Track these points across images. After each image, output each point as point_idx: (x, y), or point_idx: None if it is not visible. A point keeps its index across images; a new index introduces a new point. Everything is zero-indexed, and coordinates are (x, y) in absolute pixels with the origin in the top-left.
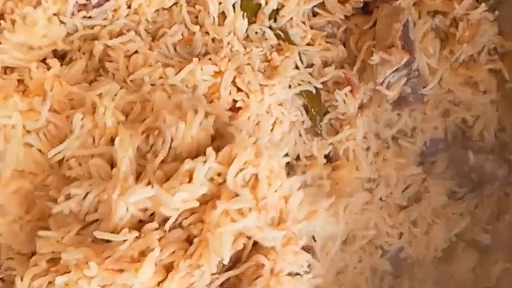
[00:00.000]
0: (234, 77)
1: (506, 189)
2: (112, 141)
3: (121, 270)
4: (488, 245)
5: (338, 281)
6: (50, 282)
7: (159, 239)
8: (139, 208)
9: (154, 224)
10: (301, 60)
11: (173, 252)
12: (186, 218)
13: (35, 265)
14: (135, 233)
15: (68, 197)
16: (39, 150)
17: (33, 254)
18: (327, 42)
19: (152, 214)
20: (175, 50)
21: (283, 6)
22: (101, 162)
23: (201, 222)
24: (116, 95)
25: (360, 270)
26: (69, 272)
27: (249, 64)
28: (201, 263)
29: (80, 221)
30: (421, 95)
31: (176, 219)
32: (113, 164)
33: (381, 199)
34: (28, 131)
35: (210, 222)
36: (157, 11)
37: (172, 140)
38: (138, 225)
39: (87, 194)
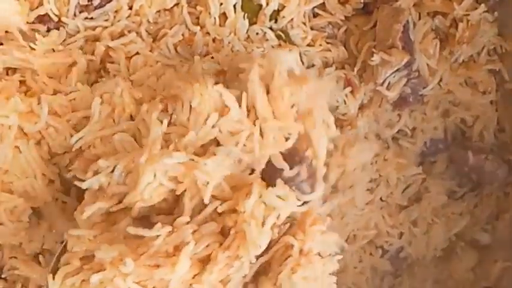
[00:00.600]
0: None
1: (506, 189)
2: (132, 119)
3: (157, 266)
4: (487, 244)
5: (338, 280)
6: (83, 281)
7: (193, 233)
8: (169, 177)
9: (186, 218)
10: (301, 61)
11: (207, 246)
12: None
13: (67, 263)
14: (168, 228)
15: (96, 173)
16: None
17: (37, 253)
18: (328, 43)
19: (178, 198)
20: (176, 51)
21: (283, 7)
22: (126, 136)
23: (235, 212)
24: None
25: (360, 270)
26: (104, 269)
27: None
28: (240, 254)
29: (109, 198)
30: (421, 95)
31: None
32: (136, 140)
33: (381, 199)
34: (25, 134)
35: (245, 212)
36: (158, 11)
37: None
38: (167, 210)
39: (115, 167)
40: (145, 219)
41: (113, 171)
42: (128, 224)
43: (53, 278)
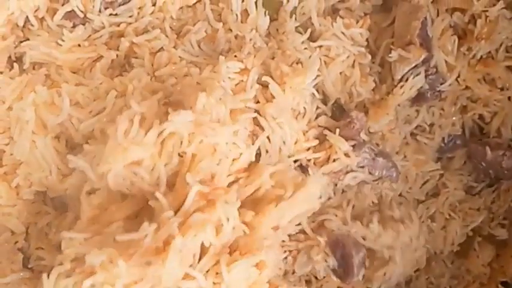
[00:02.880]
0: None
1: None
2: None
3: (149, 263)
4: (505, 239)
5: None
6: (76, 283)
7: (179, 226)
8: None
9: (170, 213)
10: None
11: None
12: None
13: (60, 264)
14: (154, 225)
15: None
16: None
17: None
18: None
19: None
20: (200, 47)
21: (303, 3)
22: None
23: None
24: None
25: None
26: (94, 273)
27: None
28: None
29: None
30: (439, 91)
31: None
32: None
33: (400, 195)
34: (45, 127)
35: None
36: (181, 8)
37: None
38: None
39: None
40: (135, 218)
41: None
42: (118, 226)
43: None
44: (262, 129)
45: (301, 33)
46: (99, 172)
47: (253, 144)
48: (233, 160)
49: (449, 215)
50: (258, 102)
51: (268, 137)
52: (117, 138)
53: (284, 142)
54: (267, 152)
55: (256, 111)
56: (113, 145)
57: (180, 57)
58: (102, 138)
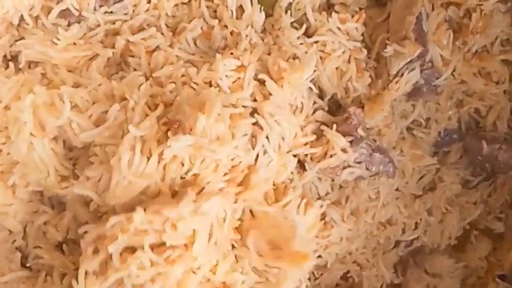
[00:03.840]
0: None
1: None
2: None
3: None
4: (501, 232)
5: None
6: None
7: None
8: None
9: None
10: None
11: None
12: None
13: None
14: None
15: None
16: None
17: (61, 243)
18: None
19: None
20: (195, 45)
21: None
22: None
23: None
24: (141, 85)
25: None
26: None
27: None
28: None
29: None
30: (435, 86)
31: None
32: None
33: (397, 189)
34: (43, 128)
35: None
36: (176, 5)
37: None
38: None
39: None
40: None
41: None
42: None
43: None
44: (261, 128)
45: (296, 28)
46: (106, 201)
47: (253, 148)
48: (232, 167)
49: (446, 209)
50: (255, 100)
51: (267, 136)
52: (121, 172)
53: (283, 138)
54: (265, 152)
55: (254, 109)
56: (119, 179)
57: (176, 56)
58: (103, 156)
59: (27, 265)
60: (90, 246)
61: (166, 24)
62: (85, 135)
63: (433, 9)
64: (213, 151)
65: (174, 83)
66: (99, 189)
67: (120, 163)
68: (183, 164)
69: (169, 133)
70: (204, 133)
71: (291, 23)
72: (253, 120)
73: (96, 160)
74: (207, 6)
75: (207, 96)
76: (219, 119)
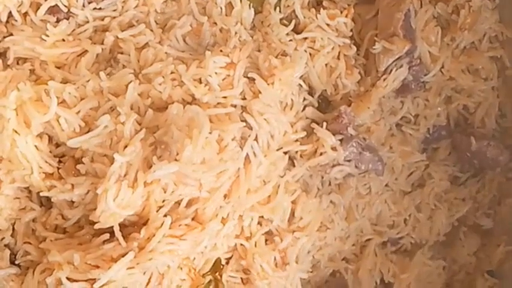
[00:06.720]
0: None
1: (508, 174)
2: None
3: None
4: (490, 229)
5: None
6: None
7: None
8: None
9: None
10: None
11: None
12: None
13: None
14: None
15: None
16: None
17: None
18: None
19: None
20: (185, 42)
21: None
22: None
23: None
24: (129, 82)
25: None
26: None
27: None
28: None
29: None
30: (423, 82)
31: None
32: None
33: (386, 185)
34: (27, 125)
35: None
36: (165, 1)
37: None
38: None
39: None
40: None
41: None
42: None
43: None
44: (250, 127)
45: (285, 25)
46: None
47: (241, 149)
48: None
49: (435, 205)
50: (244, 98)
51: (256, 136)
52: (107, 203)
53: (272, 137)
54: (255, 155)
55: (243, 107)
56: (104, 209)
57: (166, 53)
58: (90, 168)
59: (16, 262)
60: None
61: (155, 21)
62: (73, 141)
63: (421, 6)
64: (197, 180)
65: (163, 77)
66: (85, 200)
67: (106, 195)
68: (165, 191)
69: (154, 158)
70: (190, 159)
71: (280, 19)
72: (243, 125)
73: (83, 169)
74: (196, 3)
75: (195, 117)
76: (206, 143)
